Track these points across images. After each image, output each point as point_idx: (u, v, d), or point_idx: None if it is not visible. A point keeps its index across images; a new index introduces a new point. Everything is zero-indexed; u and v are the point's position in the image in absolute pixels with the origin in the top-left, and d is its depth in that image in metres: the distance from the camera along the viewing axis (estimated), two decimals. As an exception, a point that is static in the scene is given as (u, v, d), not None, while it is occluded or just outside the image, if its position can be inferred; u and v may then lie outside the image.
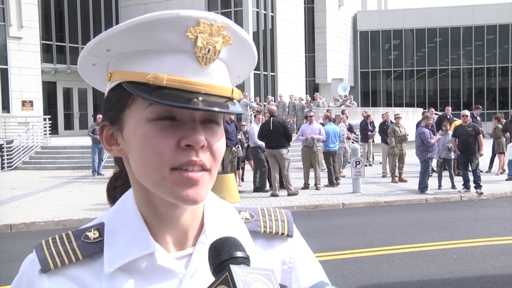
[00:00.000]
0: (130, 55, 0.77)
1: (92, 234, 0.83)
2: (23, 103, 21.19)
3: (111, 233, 0.82)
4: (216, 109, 0.73)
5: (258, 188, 11.54)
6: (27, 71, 21.30)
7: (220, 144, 0.79)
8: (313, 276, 0.90)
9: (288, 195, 10.75)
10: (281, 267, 0.90)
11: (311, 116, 11.88)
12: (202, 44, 0.74)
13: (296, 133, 11.90)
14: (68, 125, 25.58)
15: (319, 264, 0.95)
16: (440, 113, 16.80)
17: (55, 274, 0.80)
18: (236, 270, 0.66)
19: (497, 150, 14.15)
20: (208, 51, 0.75)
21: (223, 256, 0.70)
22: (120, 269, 0.79)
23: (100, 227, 0.84)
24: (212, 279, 0.69)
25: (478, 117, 14.35)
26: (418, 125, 12.52)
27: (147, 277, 0.79)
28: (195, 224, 0.85)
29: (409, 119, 22.00)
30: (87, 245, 0.81)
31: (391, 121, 14.29)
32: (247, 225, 0.89)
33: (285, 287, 0.89)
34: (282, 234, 0.90)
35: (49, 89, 24.68)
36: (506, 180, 12.79)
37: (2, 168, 15.13)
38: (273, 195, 10.86)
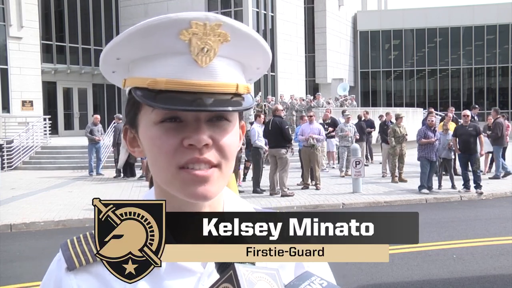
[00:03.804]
0: (137, 62, 0.80)
1: None
2: (23, 103, 21.18)
3: None
4: (210, 108, 0.74)
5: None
6: (27, 71, 21.29)
7: (229, 140, 0.80)
8: (323, 266, 0.91)
9: (281, 196, 10.66)
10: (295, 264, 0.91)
11: (311, 116, 11.87)
12: (196, 44, 0.75)
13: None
14: (68, 125, 25.58)
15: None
16: (442, 114, 16.74)
17: (81, 272, 0.82)
18: (241, 268, 0.67)
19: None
20: (206, 50, 0.76)
21: None
22: None
23: None
24: None
25: (475, 117, 14.34)
26: (423, 123, 12.49)
27: (167, 275, 0.81)
28: None
29: (409, 119, 21.97)
30: None
31: (391, 121, 14.26)
32: None
33: None
34: None
35: (49, 89, 24.67)
36: (502, 177, 12.78)
37: (2, 168, 15.12)
38: (271, 194, 10.86)
